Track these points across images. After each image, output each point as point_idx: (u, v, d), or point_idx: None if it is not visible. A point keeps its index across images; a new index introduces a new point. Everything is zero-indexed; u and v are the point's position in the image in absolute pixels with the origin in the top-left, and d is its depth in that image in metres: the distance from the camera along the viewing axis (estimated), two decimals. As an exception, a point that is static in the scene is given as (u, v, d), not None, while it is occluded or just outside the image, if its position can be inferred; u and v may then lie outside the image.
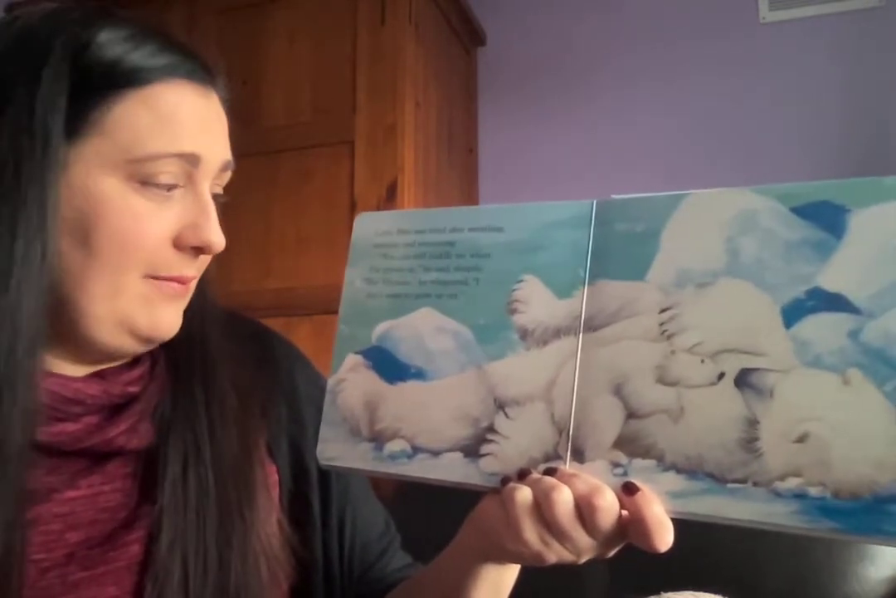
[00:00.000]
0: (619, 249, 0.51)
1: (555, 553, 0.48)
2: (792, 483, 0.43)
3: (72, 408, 0.56)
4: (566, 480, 0.47)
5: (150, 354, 0.62)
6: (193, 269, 0.58)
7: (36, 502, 0.54)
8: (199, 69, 0.58)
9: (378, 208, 1.73)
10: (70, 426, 0.55)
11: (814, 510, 0.42)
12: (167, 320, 0.58)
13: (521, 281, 0.54)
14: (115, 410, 0.58)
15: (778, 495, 0.43)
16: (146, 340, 0.58)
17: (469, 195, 2.16)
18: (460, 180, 2.10)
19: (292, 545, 0.63)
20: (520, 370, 0.52)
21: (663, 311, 0.49)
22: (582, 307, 0.51)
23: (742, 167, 1.97)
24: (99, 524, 0.56)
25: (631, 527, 0.46)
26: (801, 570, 1.02)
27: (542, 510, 0.47)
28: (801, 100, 1.96)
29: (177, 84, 0.56)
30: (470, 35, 2.20)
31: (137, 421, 0.58)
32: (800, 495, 0.43)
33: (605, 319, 0.50)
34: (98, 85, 0.54)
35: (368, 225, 0.61)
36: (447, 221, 0.58)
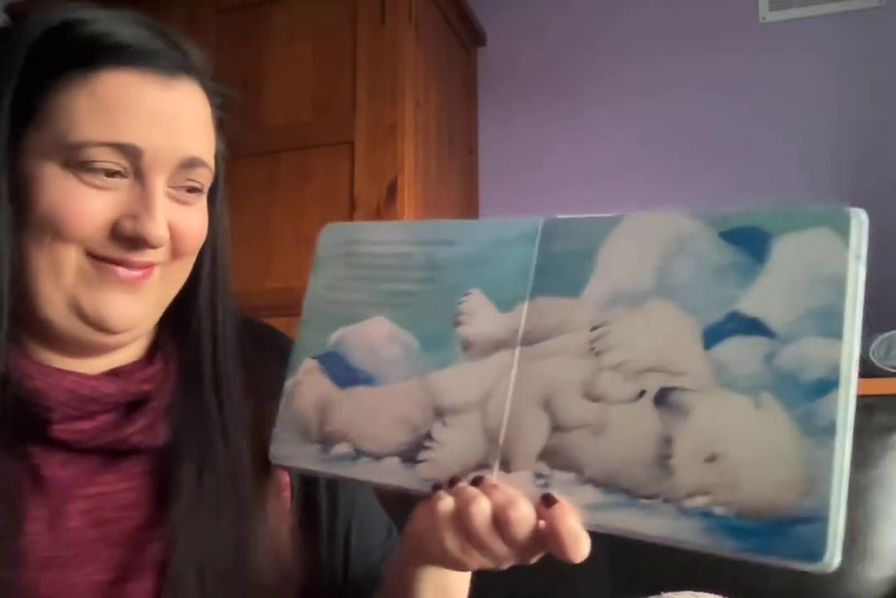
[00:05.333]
0: (560, 267, 0.53)
1: (475, 561, 0.50)
2: (699, 502, 0.44)
3: (88, 406, 0.56)
4: (487, 490, 0.49)
5: (164, 353, 0.62)
6: (140, 256, 0.56)
7: (55, 496, 0.55)
8: (165, 58, 0.56)
9: (378, 208, 1.73)
10: (86, 424, 0.56)
11: (718, 528, 0.43)
12: (116, 307, 0.56)
13: (468, 294, 0.55)
14: (131, 408, 0.58)
15: (685, 512, 0.44)
16: (97, 326, 0.56)
17: (469, 195, 2.16)
18: (460, 180, 2.10)
19: (301, 548, 0.63)
20: (459, 381, 0.54)
21: (594, 328, 0.50)
22: (521, 322, 0.53)
23: (742, 167, 1.97)
24: (116, 522, 0.57)
25: (548, 538, 0.47)
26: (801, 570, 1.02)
27: (461, 520, 0.48)
28: (800, 100, 1.96)
29: (127, 72, 0.55)
30: (470, 35, 2.20)
31: (153, 420, 0.59)
32: (706, 514, 0.44)
33: (541, 334, 0.52)
34: (49, 71, 0.54)
35: (333, 235, 0.63)
36: (404, 234, 0.60)
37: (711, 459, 0.45)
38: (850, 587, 1.10)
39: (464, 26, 2.15)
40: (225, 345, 0.64)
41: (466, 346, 0.54)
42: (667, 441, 0.46)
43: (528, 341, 0.52)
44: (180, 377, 0.62)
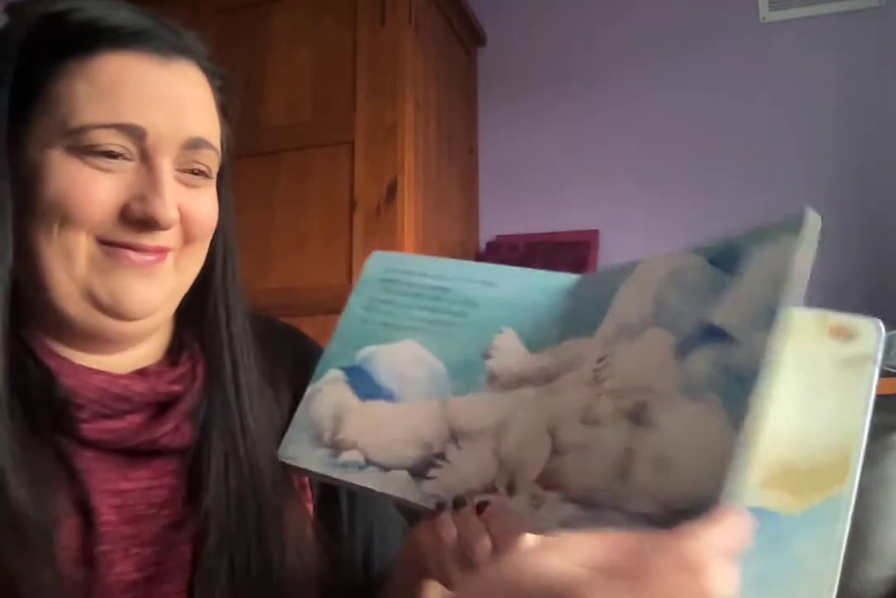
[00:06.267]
0: (583, 312, 0.56)
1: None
2: (651, 509, 0.44)
3: (118, 405, 0.56)
4: (488, 519, 0.50)
5: (191, 354, 0.62)
6: (153, 240, 0.56)
7: (88, 491, 0.54)
8: (161, 39, 0.57)
9: (378, 208, 1.73)
10: (115, 424, 0.56)
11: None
12: (132, 292, 0.56)
13: (502, 332, 0.59)
14: (160, 409, 0.58)
15: (632, 518, 0.44)
16: (114, 313, 0.56)
17: (469, 195, 2.16)
18: (460, 180, 2.10)
19: (322, 543, 0.63)
20: (479, 408, 0.57)
21: (600, 360, 0.53)
22: (547, 364, 0.56)
23: (741, 167, 1.97)
24: (147, 520, 0.57)
25: None
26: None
27: (464, 551, 0.50)
28: (800, 100, 1.96)
29: (123, 54, 0.55)
30: (470, 35, 2.20)
31: (182, 421, 0.59)
32: (650, 519, 0.44)
33: (559, 371, 0.55)
34: (46, 60, 0.55)
35: (380, 262, 0.67)
36: (447, 271, 0.63)
37: (665, 468, 0.45)
38: (850, 587, 1.10)
39: (464, 26, 2.15)
40: (239, 333, 0.64)
41: (492, 378, 0.57)
42: (630, 453, 0.46)
43: (549, 379, 0.55)
44: (206, 378, 0.62)
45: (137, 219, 0.55)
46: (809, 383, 0.51)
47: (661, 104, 2.06)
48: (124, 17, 0.56)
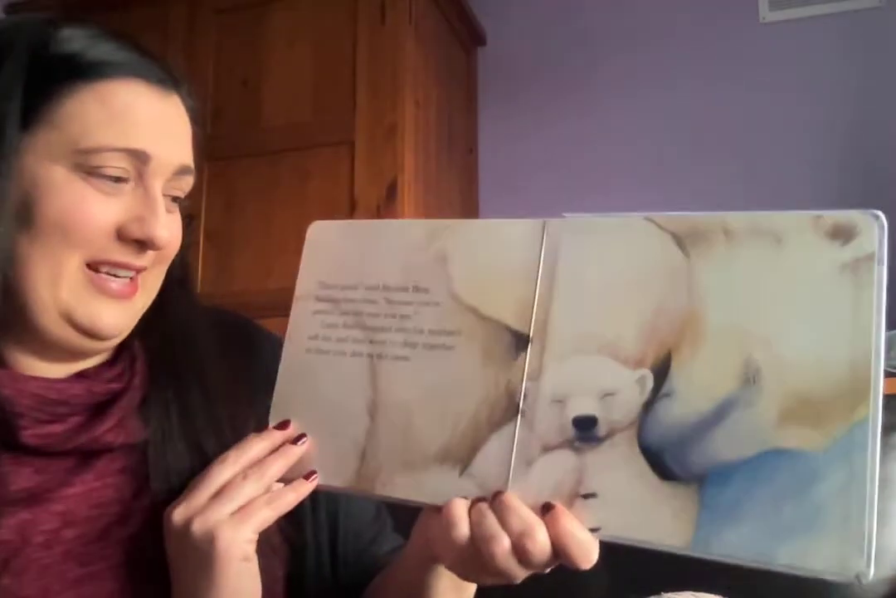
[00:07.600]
0: None
1: (491, 580, 0.51)
2: None
3: (57, 409, 0.57)
4: (502, 514, 0.48)
5: (130, 352, 0.63)
6: (139, 260, 0.58)
7: (30, 502, 0.55)
8: (160, 71, 0.60)
9: (378, 208, 1.73)
10: (57, 427, 0.56)
11: None
12: (107, 318, 0.58)
13: None
14: (101, 407, 0.59)
15: None
16: (89, 334, 0.58)
17: (469, 195, 2.16)
18: (460, 180, 2.10)
19: (285, 533, 0.63)
20: None
21: None
22: None
23: (741, 167, 1.97)
24: (93, 520, 0.57)
25: (559, 551, 0.48)
26: (801, 570, 1.01)
27: (482, 554, 0.48)
28: (800, 100, 1.96)
29: (132, 82, 0.57)
30: (470, 35, 2.20)
31: (124, 417, 0.59)
32: None
33: None
34: (54, 78, 0.56)
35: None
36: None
37: None
38: (850, 587, 1.10)
39: (464, 26, 2.15)
40: (197, 339, 0.65)
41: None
42: None
43: None
44: (151, 375, 0.63)
45: (135, 239, 0.57)
46: (812, 296, 0.45)
47: (661, 104, 2.06)
48: (129, 47, 0.59)
